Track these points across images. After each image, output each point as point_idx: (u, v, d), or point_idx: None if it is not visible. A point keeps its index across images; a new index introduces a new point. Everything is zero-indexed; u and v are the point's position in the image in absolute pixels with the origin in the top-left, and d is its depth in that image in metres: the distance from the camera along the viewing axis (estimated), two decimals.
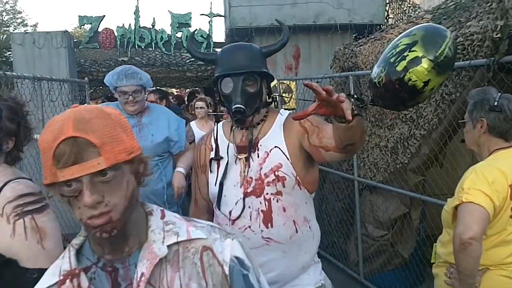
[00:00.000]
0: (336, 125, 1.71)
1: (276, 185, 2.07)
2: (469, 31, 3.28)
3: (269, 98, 2.23)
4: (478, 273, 2.18)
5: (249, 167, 2.12)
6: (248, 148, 2.13)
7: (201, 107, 6.19)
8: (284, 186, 2.08)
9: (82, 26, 8.98)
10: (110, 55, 10.18)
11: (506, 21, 2.91)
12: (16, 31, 24.72)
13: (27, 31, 8.74)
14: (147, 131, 3.40)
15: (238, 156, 2.15)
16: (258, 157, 2.12)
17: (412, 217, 4.43)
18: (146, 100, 3.70)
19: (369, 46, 4.88)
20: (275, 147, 2.11)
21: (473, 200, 2.11)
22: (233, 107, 2.04)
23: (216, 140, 2.26)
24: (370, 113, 4.83)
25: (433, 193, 4.14)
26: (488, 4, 3.42)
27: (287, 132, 2.12)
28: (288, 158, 2.08)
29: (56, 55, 8.33)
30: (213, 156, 2.23)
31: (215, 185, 2.18)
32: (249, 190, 2.09)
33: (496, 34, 2.98)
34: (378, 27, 7.82)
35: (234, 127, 2.21)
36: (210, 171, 2.24)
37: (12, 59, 9.19)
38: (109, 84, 3.41)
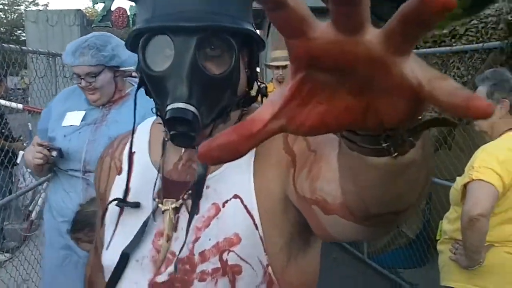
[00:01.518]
0: (350, 155, 0.51)
1: (217, 283, 0.97)
2: (484, 13, 3.31)
3: (250, 89, 1.10)
4: (483, 250, 2.24)
5: (175, 231, 1.01)
6: (192, 191, 1.01)
7: None
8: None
9: (95, 5, 9.02)
10: (122, 34, 10.21)
11: None
12: (27, 9, 24.75)
13: (40, 10, 8.81)
14: (104, 132, 2.23)
15: (162, 206, 1.02)
16: (197, 213, 1.00)
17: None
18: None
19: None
20: (235, 197, 0.99)
21: (483, 178, 2.16)
22: (169, 108, 0.92)
23: (131, 156, 1.12)
24: None
25: (440, 175, 4.19)
26: None
27: (261, 164, 0.99)
28: (256, 226, 0.97)
29: (69, 33, 8.39)
30: (118, 196, 1.08)
31: (107, 249, 1.08)
32: (160, 280, 1.00)
33: (511, 17, 3.00)
34: None
35: (167, 139, 1.06)
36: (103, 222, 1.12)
37: (23, 38, 9.26)
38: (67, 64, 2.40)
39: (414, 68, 0.35)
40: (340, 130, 0.45)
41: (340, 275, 4.74)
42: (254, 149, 0.87)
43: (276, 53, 4.74)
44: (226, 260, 0.97)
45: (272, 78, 6.59)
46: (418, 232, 4.56)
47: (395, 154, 0.46)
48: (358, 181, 0.57)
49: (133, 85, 2.40)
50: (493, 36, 3.19)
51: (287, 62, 0.58)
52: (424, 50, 3.94)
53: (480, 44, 3.22)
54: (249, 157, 1.00)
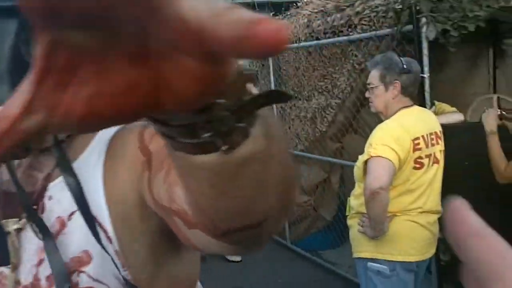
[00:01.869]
0: (176, 156, 0.39)
1: None
2: (374, 3, 3.53)
3: None
4: (386, 220, 2.43)
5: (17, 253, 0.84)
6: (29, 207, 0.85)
7: None
8: None
9: None
10: None
11: None
12: None
13: None
14: None
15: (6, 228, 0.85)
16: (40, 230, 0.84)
17: (332, 181, 4.72)
18: None
19: (285, 22, 5.07)
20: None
21: (380, 154, 2.34)
22: None
23: None
24: (290, 86, 5.05)
25: (350, 158, 4.42)
26: None
27: (113, 165, 0.84)
28: (110, 239, 0.82)
29: None
30: None
31: None
32: None
33: (398, 5, 3.23)
34: (294, 4, 8.05)
35: None
36: None
37: None
38: None
39: (196, 5, 0.24)
40: (129, 119, 0.30)
41: (267, 261, 4.88)
42: (105, 148, 0.84)
43: None
44: (77, 282, 0.81)
45: None
46: (334, 214, 4.79)
47: (225, 147, 0.35)
48: (190, 188, 0.45)
49: None
50: (384, 24, 3.42)
51: None
52: (325, 40, 4.14)
53: (373, 32, 3.45)
54: (98, 157, 0.84)
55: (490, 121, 2.78)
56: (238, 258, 4.66)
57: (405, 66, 2.48)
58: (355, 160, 4.16)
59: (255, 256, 4.97)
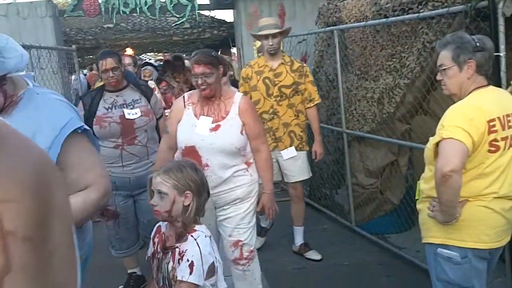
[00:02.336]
0: None
1: None
2: None
3: None
4: (458, 205, 2.35)
5: None
6: None
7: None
8: None
9: None
10: (95, 22, 10.13)
11: None
12: None
13: (9, 3, 8.69)
14: None
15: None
16: None
17: (400, 164, 4.61)
18: None
19: (352, 0, 4.95)
20: None
21: (453, 136, 2.25)
22: None
23: None
24: (356, 66, 4.94)
25: (419, 140, 4.29)
26: None
27: None
28: None
29: (41, 25, 8.30)
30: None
31: None
32: None
33: None
34: None
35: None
36: None
37: None
38: None
39: None
40: None
41: (331, 243, 4.87)
42: None
43: (264, 21, 4.63)
44: None
45: (260, 53, 6.58)
46: (401, 197, 4.68)
47: None
48: None
49: (28, 84, 1.93)
50: (457, 1, 3.27)
51: (278, 30, 3.03)
52: (393, 18, 4.01)
53: (445, 9, 3.30)
54: None
55: None
56: (318, 257, 4.58)
57: (478, 44, 2.36)
58: (424, 142, 4.08)
59: (319, 237, 4.97)
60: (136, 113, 3.72)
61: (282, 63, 4.47)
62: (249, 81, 4.51)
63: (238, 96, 3.18)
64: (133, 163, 3.74)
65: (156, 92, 5.05)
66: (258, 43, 9.47)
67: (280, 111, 4.44)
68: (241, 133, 3.06)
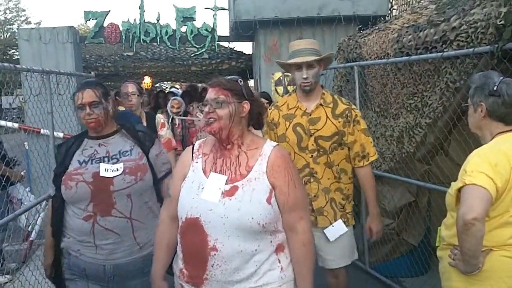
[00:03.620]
0: None
1: None
2: (473, 19, 3.31)
3: None
4: (481, 254, 2.22)
5: None
6: None
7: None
8: None
9: (88, 21, 9.06)
10: (115, 50, 10.27)
11: (509, 8, 2.94)
12: (20, 28, 24.94)
13: (32, 28, 8.86)
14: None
15: None
16: None
17: (419, 205, 4.47)
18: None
19: (373, 37, 4.91)
20: None
21: (476, 182, 2.15)
22: None
23: None
24: (375, 103, 4.87)
25: (439, 181, 4.18)
26: None
27: None
28: None
29: (62, 50, 8.41)
30: None
31: None
32: None
33: (500, 21, 3.01)
34: (382, 18, 7.83)
35: None
36: None
37: (16, 57, 9.33)
38: None
39: None
40: None
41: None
42: None
43: (296, 45, 3.27)
44: None
45: (288, 91, 6.46)
46: (420, 239, 4.54)
47: None
48: None
49: None
50: (483, 41, 3.20)
51: (315, 57, 2.18)
52: (416, 56, 3.94)
53: (471, 49, 3.23)
54: None
55: None
56: None
57: (495, 88, 2.30)
58: (444, 184, 3.97)
59: None
60: (117, 170, 2.60)
61: (321, 105, 3.23)
62: (275, 128, 3.30)
63: (269, 146, 2.22)
64: (110, 244, 2.57)
65: (163, 130, 4.52)
66: (277, 75, 9.47)
67: (319, 171, 3.22)
68: (269, 201, 2.09)
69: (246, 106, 2.19)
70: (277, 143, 2.28)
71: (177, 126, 7.19)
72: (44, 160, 4.69)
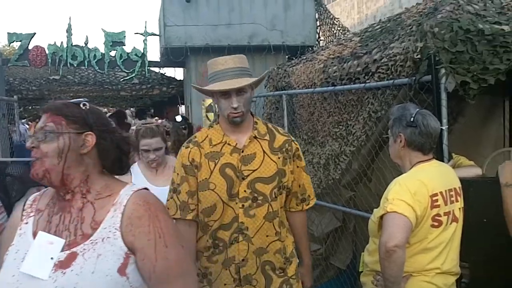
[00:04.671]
0: None
1: None
2: (393, 52, 3.48)
3: None
4: (402, 280, 2.30)
5: None
6: None
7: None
8: None
9: (11, 44, 8.74)
10: (41, 73, 9.93)
11: (425, 43, 3.11)
12: None
13: None
14: None
15: None
16: None
17: (346, 230, 4.58)
18: None
19: (301, 67, 5.04)
20: None
21: (397, 210, 2.24)
22: None
23: None
24: (303, 131, 4.98)
25: (363, 207, 4.30)
26: (409, 27, 3.65)
27: None
28: None
29: None
30: None
31: None
32: None
33: (417, 55, 3.17)
34: (310, 48, 8.09)
35: None
36: None
37: None
38: None
39: None
40: None
41: None
42: None
43: (220, 63, 2.50)
44: None
45: (209, 112, 6.41)
46: (348, 262, 4.63)
47: None
48: None
49: None
50: (402, 73, 3.36)
51: (247, 81, 2.02)
52: (341, 87, 4.08)
53: (391, 81, 3.39)
54: None
55: (506, 173, 2.67)
56: None
57: (412, 119, 2.42)
58: (367, 210, 4.10)
59: None
60: None
61: (254, 137, 2.50)
62: (196, 171, 2.46)
63: (127, 190, 1.61)
64: None
65: None
66: (208, 101, 9.45)
67: (250, 226, 2.44)
68: (122, 272, 1.49)
69: (91, 138, 1.57)
70: (143, 187, 1.65)
71: None
72: None
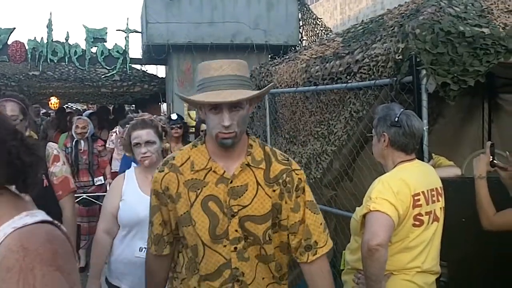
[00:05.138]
0: None
1: None
2: (374, 53, 3.51)
3: None
4: (383, 278, 2.33)
5: None
6: None
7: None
8: None
9: None
10: (20, 68, 9.79)
11: (406, 44, 3.14)
12: None
13: None
14: None
15: None
16: None
17: (328, 229, 4.59)
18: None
19: (283, 66, 5.06)
20: None
21: (379, 209, 2.26)
22: None
23: None
24: (285, 130, 4.99)
25: (343, 206, 4.33)
26: (391, 28, 3.68)
27: None
28: None
29: None
30: None
31: None
32: None
33: (398, 56, 3.21)
34: (292, 48, 8.11)
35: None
36: None
37: None
38: None
39: None
40: None
41: None
42: None
43: (217, 68, 1.87)
44: None
45: (191, 110, 6.34)
46: (329, 261, 4.64)
47: None
48: None
49: None
50: (383, 74, 3.39)
51: (245, 92, 1.45)
52: (323, 86, 4.11)
53: (372, 81, 3.42)
54: None
55: (481, 166, 2.71)
56: None
57: (396, 119, 2.44)
58: (348, 209, 4.12)
59: None
60: None
61: (247, 165, 1.99)
62: (170, 203, 2.02)
63: (10, 225, 1.11)
64: None
65: (56, 166, 3.11)
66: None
67: (247, 271, 1.98)
68: None
69: None
70: (41, 219, 1.15)
71: (82, 151, 6.10)
72: None
